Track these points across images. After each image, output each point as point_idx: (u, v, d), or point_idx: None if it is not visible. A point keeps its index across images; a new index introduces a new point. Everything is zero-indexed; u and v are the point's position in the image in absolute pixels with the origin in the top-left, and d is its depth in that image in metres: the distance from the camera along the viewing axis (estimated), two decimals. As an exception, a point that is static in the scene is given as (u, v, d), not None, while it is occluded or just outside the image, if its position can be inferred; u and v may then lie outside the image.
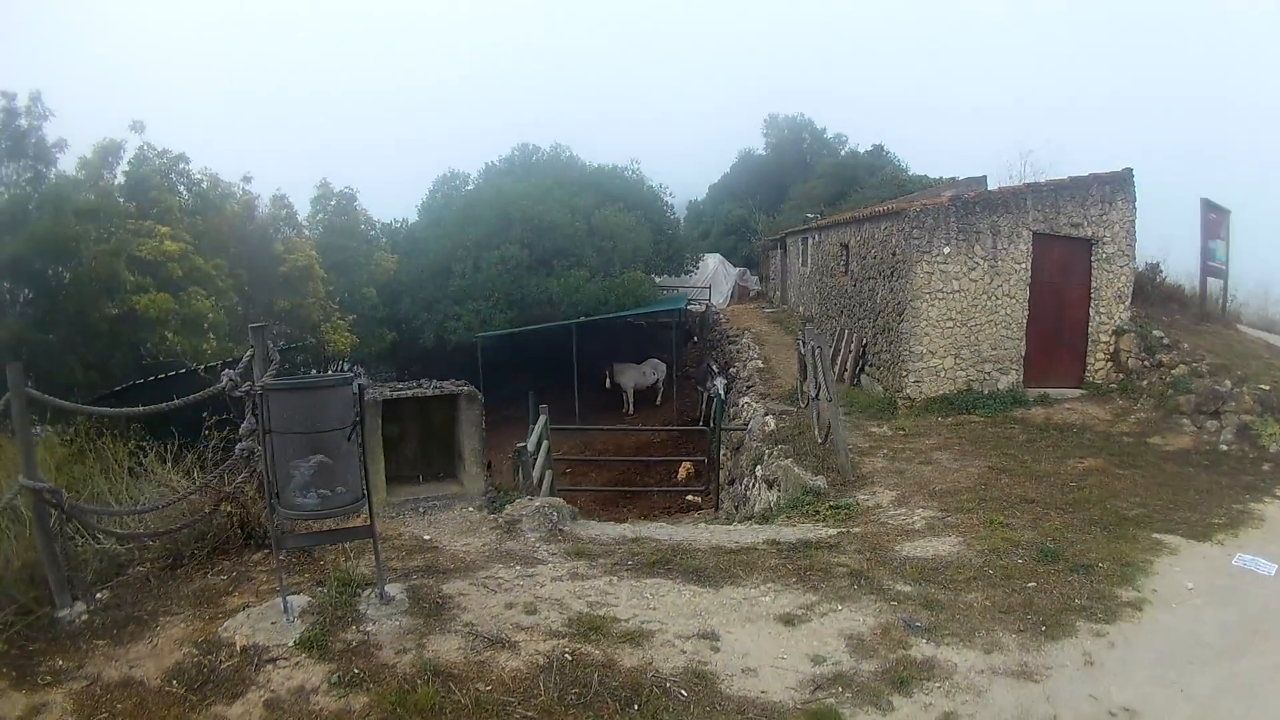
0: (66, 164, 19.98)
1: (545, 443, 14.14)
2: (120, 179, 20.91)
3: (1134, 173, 14.05)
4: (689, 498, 18.27)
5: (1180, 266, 17.67)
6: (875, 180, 33.78)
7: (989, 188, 21.18)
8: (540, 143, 37.77)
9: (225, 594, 5.70)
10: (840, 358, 18.13)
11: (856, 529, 8.07)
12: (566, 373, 25.96)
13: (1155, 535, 7.82)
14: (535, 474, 11.75)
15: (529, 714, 4.40)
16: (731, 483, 16.01)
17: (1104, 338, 14.28)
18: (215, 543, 6.35)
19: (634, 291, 27.82)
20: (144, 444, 10.50)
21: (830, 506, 9.10)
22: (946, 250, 13.65)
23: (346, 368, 29.37)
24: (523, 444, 11.25)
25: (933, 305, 13.79)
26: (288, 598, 5.32)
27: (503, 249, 26.58)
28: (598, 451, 23.37)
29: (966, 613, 5.89)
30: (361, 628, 5.17)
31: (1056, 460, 10.70)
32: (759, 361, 21.21)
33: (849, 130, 50.61)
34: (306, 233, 25.62)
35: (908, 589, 6.25)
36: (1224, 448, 11.36)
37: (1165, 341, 13.75)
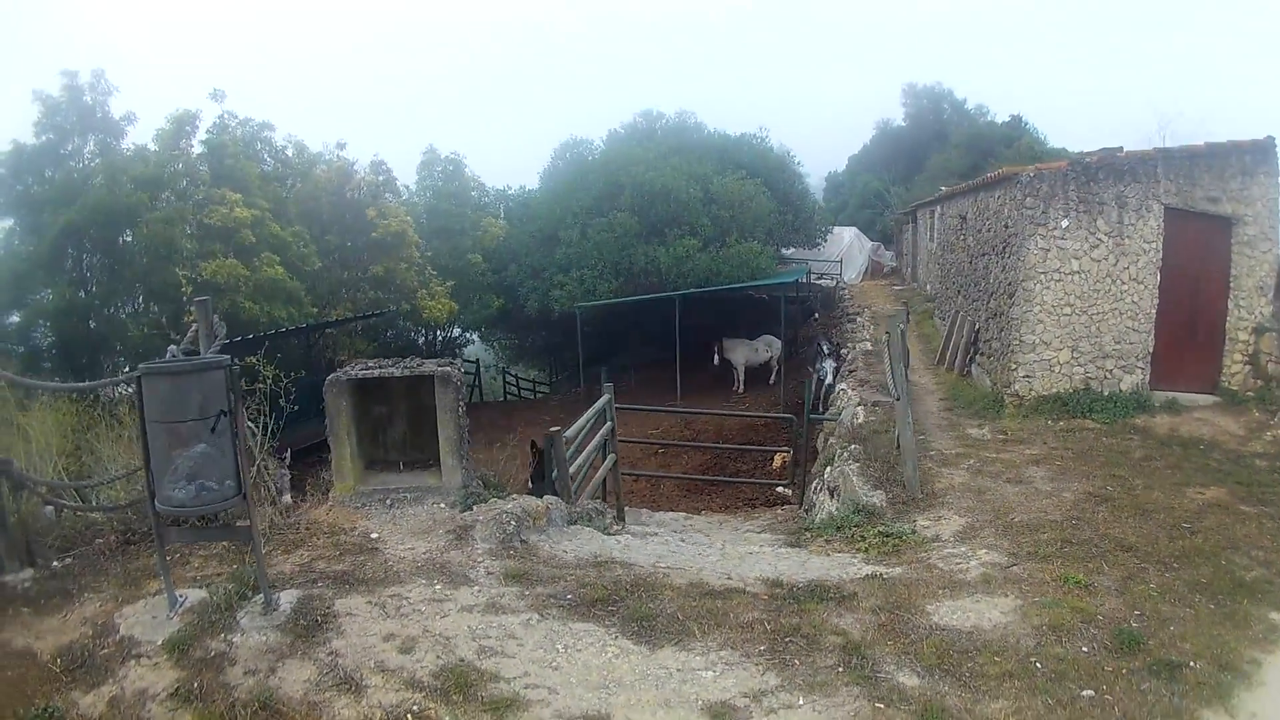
0: (143, 136, 20.37)
1: (610, 423, 12.76)
2: (198, 148, 20.81)
3: (1276, 142, 11.20)
4: (778, 489, 16.57)
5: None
6: (1011, 152, 30.33)
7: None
8: (665, 110, 35.87)
9: (153, 576, 5.42)
10: (951, 344, 15.90)
11: (895, 570, 6.26)
12: (673, 347, 24.48)
13: (1274, 615, 5.58)
14: (576, 464, 10.38)
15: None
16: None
17: (1242, 336, 11.52)
18: (167, 522, 6.05)
19: (749, 263, 25.78)
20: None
21: (880, 533, 7.31)
22: (1065, 223, 11.27)
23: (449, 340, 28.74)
24: (558, 428, 9.88)
25: (1048, 288, 11.45)
26: (182, 592, 5.19)
27: (610, 216, 25.10)
28: (696, 433, 21.85)
29: (972, 734, 4.11)
30: (229, 637, 4.76)
31: (1172, 488, 8.33)
32: (868, 343, 19.10)
33: (990, 101, 46.54)
34: (415, 199, 25.08)
35: (912, 682, 4.47)
36: (1394, 483, 8.74)
37: (1307, 345, 11.02)
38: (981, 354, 14.01)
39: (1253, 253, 11.31)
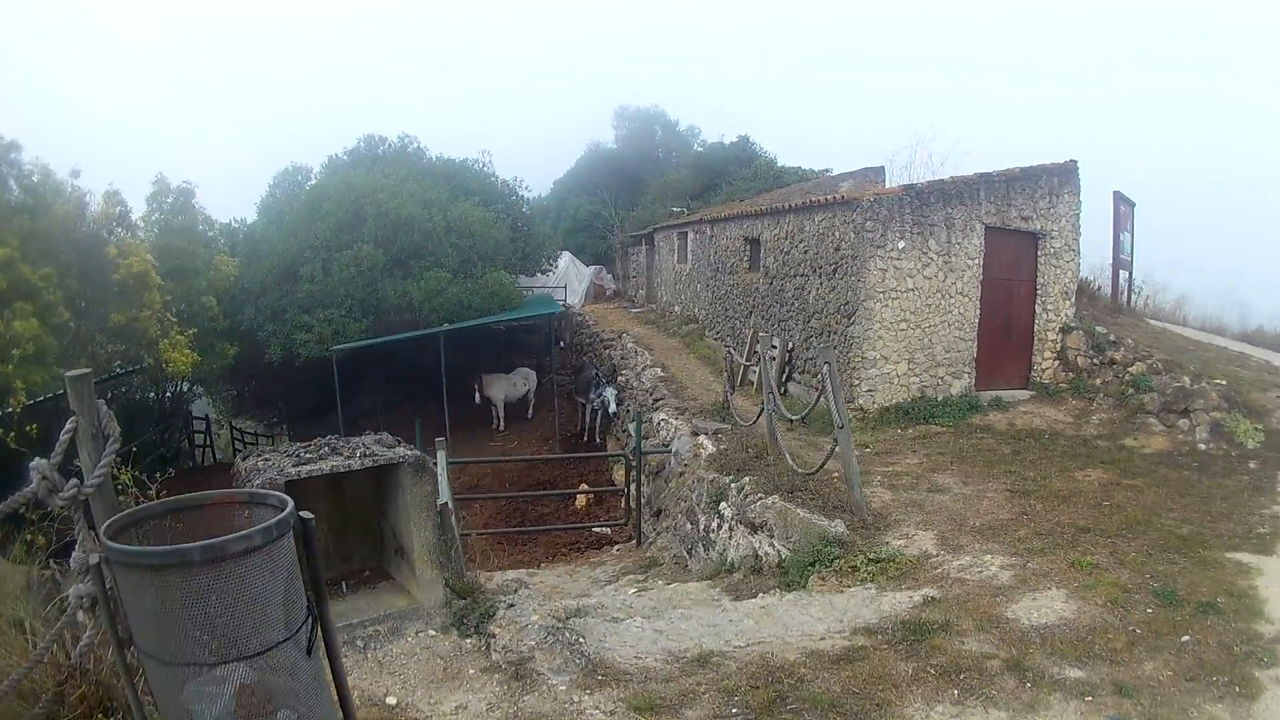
0: None
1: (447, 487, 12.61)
2: None
3: (1078, 165, 14.11)
4: (596, 529, 17.09)
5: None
6: (747, 172, 33.41)
7: (885, 180, 21.13)
8: (387, 134, 35.27)
9: None
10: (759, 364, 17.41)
11: (932, 592, 7.16)
12: (427, 386, 24.19)
13: (1227, 555, 7.63)
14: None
15: None
16: (658, 514, 14.89)
17: (1051, 336, 14.34)
18: (77, 732, 4.42)
19: (499, 294, 26.17)
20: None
21: (870, 560, 8.10)
22: (901, 245, 13.21)
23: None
24: (444, 502, 9.65)
25: (886, 306, 13.34)
26: None
27: (356, 248, 24.34)
28: (476, 480, 21.79)
29: (1159, 690, 5.30)
30: None
31: (1061, 474, 10.44)
32: (658, 369, 20.23)
33: (706, 124, 49.87)
34: (141, 234, 22.39)
35: (1081, 674, 5.48)
36: (1203, 447, 11.45)
37: (1112, 339, 13.89)
38: (804, 372, 15.63)
39: (1058, 262, 14.09)
